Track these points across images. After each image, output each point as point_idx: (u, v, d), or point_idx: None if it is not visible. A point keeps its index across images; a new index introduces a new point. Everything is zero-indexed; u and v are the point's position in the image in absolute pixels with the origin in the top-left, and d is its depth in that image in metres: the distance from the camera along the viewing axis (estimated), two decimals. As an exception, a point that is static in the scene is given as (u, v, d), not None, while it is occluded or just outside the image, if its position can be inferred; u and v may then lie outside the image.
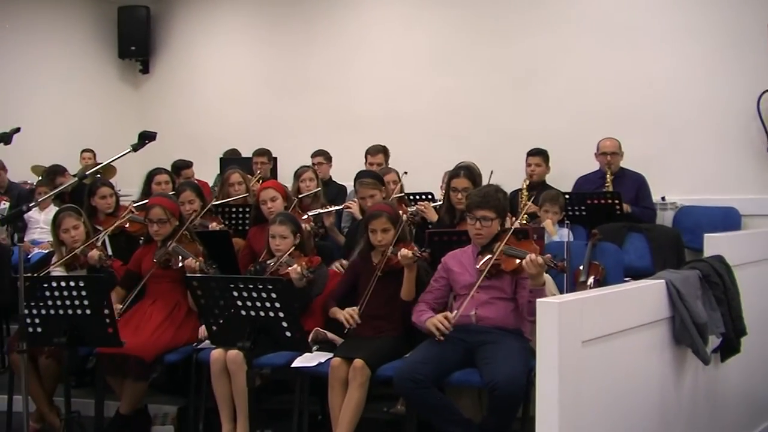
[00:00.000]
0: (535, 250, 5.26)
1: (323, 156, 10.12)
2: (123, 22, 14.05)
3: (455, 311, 5.38)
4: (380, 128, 10.66)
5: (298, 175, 8.22)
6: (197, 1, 13.64)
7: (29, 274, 6.54)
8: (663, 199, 8.76)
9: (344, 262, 6.84)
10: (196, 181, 9.01)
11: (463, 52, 10.48)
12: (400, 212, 6.38)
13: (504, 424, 5.05)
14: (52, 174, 10.36)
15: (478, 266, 5.46)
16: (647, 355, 4.66)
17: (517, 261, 5.28)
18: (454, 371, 5.31)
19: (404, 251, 5.63)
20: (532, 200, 8.04)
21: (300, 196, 7.86)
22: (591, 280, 6.58)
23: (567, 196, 7.84)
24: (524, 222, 7.09)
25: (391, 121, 10.86)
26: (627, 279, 6.52)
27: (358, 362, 5.44)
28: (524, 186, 8.60)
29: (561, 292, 6.03)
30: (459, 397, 5.65)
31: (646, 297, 4.68)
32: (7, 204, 9.19)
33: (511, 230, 5.49)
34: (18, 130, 4.80)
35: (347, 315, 5.88)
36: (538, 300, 4.14)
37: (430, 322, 5.39)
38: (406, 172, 8.14)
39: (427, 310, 5.61)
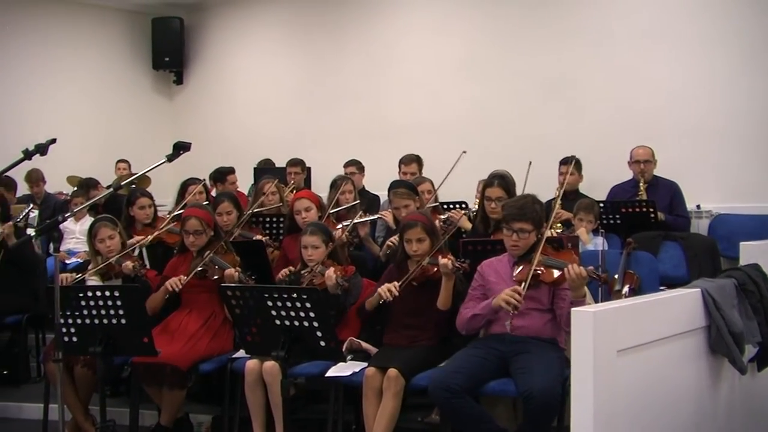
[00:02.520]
0: (575, 260, 5.22)
1: (356, 166, 10.13)
2: (157, 33, 14.16)
3: (523, 284, 5.22)
4: (412, 137, 10.66)
5: (337, 186, 8.18)
6: (230, 13, 13.71)
7: (67, 277, 6.66)
8: (698, 207, 8.71)
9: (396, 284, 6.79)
10: (235, 191, 9.05)
11: (495, 61, 10.47)
12: (436, 221, 6.37)
13: None
14: (85, 186, 10.43)
15: (514, 276, 5.43)
16: (683, 364, 4.63)
17: (557, 272, 5.25)
18: (489, 381, 5.29)
19: (444, 261, 5.59)
20: (563, 208, 8.01)
21: (337, 209, 7.82)
22: (626, 289, 6.54)
23: (601, 205, 7.80)
24: (558, 230, 7.06)
25: (423, 130, 10.86)
26: (662, 288, 6.46)
27: (392, 372, 5.43)
28: (557, 194, 8.55)
29: (596, 301, 6.00)
30: (493, 406, 5.63)
31: (681, 306, 4.66)
32: (36, 212, 9.24)
33: (544, 240, 5.43)
34: (54, 141, 4.83)
35: (386, 287, 5.78)
36: (572, 309, 4.12)
37: (499, 299, 5.25)
38: (465, 151, 8.06)
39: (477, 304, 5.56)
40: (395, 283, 5.79)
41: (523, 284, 5.23)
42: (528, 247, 5.48)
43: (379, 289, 5.84)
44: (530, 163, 6.71)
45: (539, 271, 5.31)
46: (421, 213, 6.38)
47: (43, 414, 6.75)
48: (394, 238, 6.71)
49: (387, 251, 6.81)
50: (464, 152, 7.88)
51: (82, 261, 7.88)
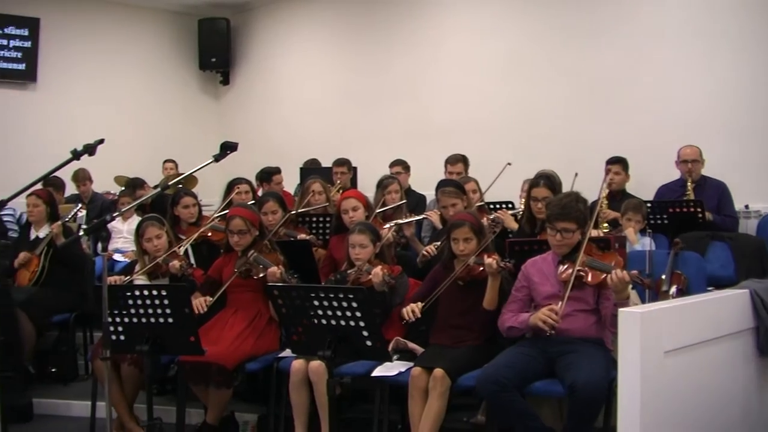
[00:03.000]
0: (619, 262, 5.20)
1: (402, 165, 10.13)
2: (203, 34, 14.25)
3: (560, 303, 5.27)
4: (458, 137, 10.64)
5: (384, 186, 8.17)
6: (276, 13, 13.76)
7: (115, 280, 6.71)
8: (746, 207, 8.62)
9: (437, 244, 6.79)
10: (281, 191, 9.08)
11: (540, 60, 10.41)
12: (483, 221, 6.36)
13: (584, 430, 5.02)
14: (132, 186, 10.52)
15: (559, 276, 5.42)
16: (731, 365, 4.59)
17: (602, 275, 5.23)
18: (535, 380, 5.28)
19: (489, 260, 5.58)
20: (611, 208, 7.98)
21: (383, 208, 7.82)
22: (673, 289, 6.49)
23: (648, 205, 7.75)
24: (605, 230, 7.02)
25: (468, 129, 10.84)
26: (710, 288, 6.42)
27: (438, 372, 5.42)
28: (603, 195, 8.51)
29: (643, 301, 5.96)
30: (539, 407, 5.60)
31: (729, 307, 4.62)
32: (84, 212, 9.32)
33: (588, 239, 5.41)
34: (102, 141, 4.86)
35: (409, 309, 5.82)
36: (619, 309, 4.10)
37: (536, 318, 5.31)
38: (509, 163, 8.05)
39: (518, 313, 5.56)
40: (419, 303, 5.83)
41: (560, 303, 5.26)
42: (573, 245, 5.46)
43: (403, 310, 5.85)
44: (576, 174, 6.67)
45: (583, 273, 5.31)
46: (469, 213, 6.37)
47: (91, 412, 6.81)
48: (431, 247, 6.73)
49: (424, 260, 6.81)
50: (509, 164, 7.88)
51: (129, 261, 7.93)
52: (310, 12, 13.25)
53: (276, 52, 13.77)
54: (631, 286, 5.19)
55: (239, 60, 14.49)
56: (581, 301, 5.40)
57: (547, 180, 6.70)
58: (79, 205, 9.12)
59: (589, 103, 9.97)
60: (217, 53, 14.31)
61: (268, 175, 10.20)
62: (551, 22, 10.34)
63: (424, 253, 6.79)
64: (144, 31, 13.98)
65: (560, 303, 5.26)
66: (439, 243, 6.73)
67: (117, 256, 9.38)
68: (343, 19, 12.75)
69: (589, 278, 5.30)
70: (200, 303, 6.41)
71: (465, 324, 5.88)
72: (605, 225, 7.45)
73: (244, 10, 14.31)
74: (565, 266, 5.40)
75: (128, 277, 6.81)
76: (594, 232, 5.72)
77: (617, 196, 8.35)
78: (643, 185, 8.80)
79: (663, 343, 4.01)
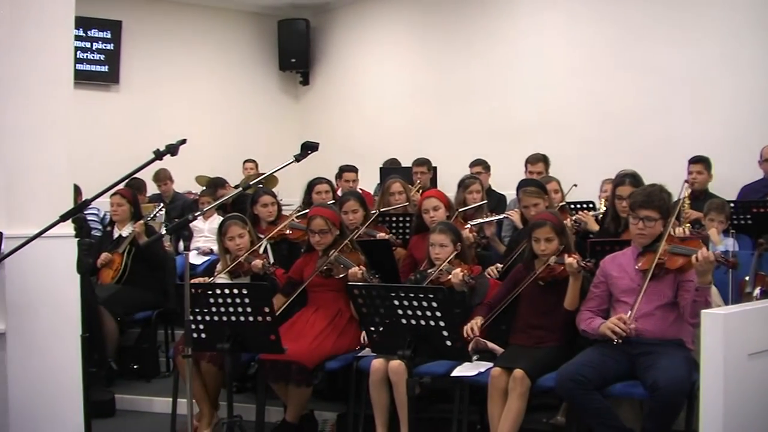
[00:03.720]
0: (702, 248, 5.14)
1: (482, 165, 10.09)
2: (283, 35, 14.35)
3: (629, 312, 5.26)
4: (538, 136, 10.60)
5: (465, 186, 8.16)
6: (356, 13, 13.81)
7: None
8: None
9: (499, 266, 6.79)
10: (360, 190, 9.09)
11: (620, 58, 10.30)
12: (565, 221, 6.33)
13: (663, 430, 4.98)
14: (213, 186, 10.61)
15: (639, 267, 5.38)
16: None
17: (684, 259, 5.18)
18: (616, 381, 5.25)
19: (570, 260, 5.56)
20: (693, 208, 7.88)
21: (464, 208, 7.80)
22: (757, 290, 6.40)
23: (732, 205, 7.63)
24: (687, 231, 6.93)
25: (548, 128, 10.77)
26: (795, 290, 6.33)
27: (518, 372, 5.40)
28: (686, 194, 8.39)
29: (726, 303, 5.88)
30: (619, 408, 5.56)
31: (815, 308, 4.53)
32: (163, 211, 9.41)
33: (668, 230, 5.37)
34: (184, 141, 4.88)
35: (468, 327, 5.85)
36: (702, 311, 4.05)
37: (605, 327, 5.32)
38: (575, 185, 8.04)
39: (594, 317, 5.54)
40: (479, 319, 5.89)
41: (629, 313, 5.26)
42: (654, 236, 5.44)
43: (465, 327, 5.83)
44: (574, 185, 6.59)
45: (663, 259, 5.27)
46: (551, 212, 6.33)
47: (172, 408, 6.88)
48: (493, 269, 6.69)
49: (492, 275, 6.79)
50: (575, 185, 7.81)
51: (209, 260, 7.99)
52: (389, 12, 13.28)
53: (355, 52, 13.82)
54: (716, 266, 5.14)
55: (319, 60, 14.56)
56: (660, 295, 5.36)
57: (632, 179, 6.69)
58: (161, 205, 9.22)
59: (670, 100, 9.84)
60: (296, 54, 14.40)
61: (341, 172, 10.21)
62: (630, 19, 10.23)
63: (487, 275, 6.75)
64: (224, 32, 14.12)
65: (630, 312, 5.26)
66: (502, 266, 6.74)
67: (193, 256, 9.46)
68: (422, 19, 12.75)
69: (670, 263, 5.27)
70: None
71: (545, 324, 5.85)
72: (688, 225, 7.35)
73: (324, 10, 14.38)
74: (645, 257, 5.36)
75: (210, 279, 6.86)
76: (678, 231, 5.65)
77: (700, 197, 8.23)
78: (726, 185, 8.66)
79: (747, 345, 3.95)
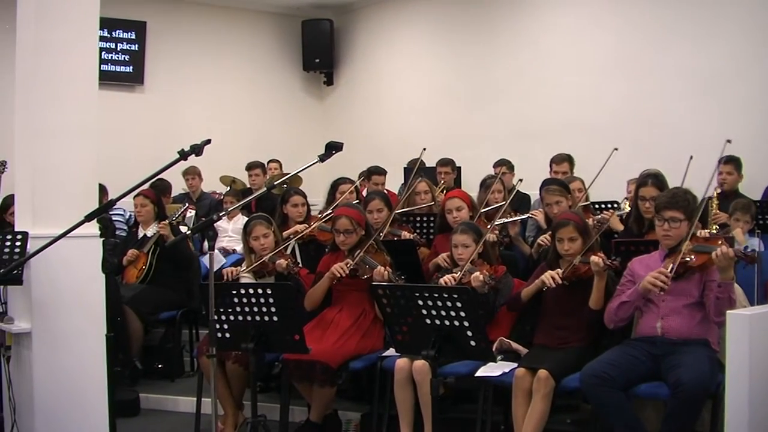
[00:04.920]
0: (723, 244, 5.13)
1: (506, 165, 10.07)
2: (307, 35, 14.35)
3: (671, 266, 5.23)
4: (562, 136, 10.55)
5: (487, 186, 8.15)
6: (379, 14, 13.81)
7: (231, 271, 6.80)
8: None
9: (546, 237, 6.75)
10: (385, 191, 9.09)
11: (645, 58, 10.25)
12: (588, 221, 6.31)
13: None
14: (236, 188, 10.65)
15: (664, 266, 5.36)
16: None
17: (707, 256, 5.17)
18: (640, 382, 5.24)
19: (595, 258, 5.55)
20: (720, 209, 7.84)
21: (487, 208, 7.79)
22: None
23: (757, 205, 7.59)
24: (714, 231, 6.91)
25: (573, 129, 10.73)
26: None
27: (542, 373, 5.39)
28: (715, 195, 8.34)
29: (751, 303, 5.85)
30: (642, 409, 5.56)
31: (843, 309, 4.50)
32: (193, 212, 9.44)
33: (692, 231, 5.35)
34: (209, 141, 4.89)
35: (549, 274, 5.77)
36: (728, 312, 4.03)
37: (645, 280, 5.26)
38: (616, 149, 7.96)
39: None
40: (559, 270, 5.79)
41: (671, 266, 5.23)
42: (680, 238, 5.42)
43: (543, 276, 5.81)
44: (615, 149, 6.56)
45: (688, 258, 5.26)
46: (574, 212, 6.32)
47: (196, 407, 6.91)
48: (546, 237, 6.65)
49: (539, 250, 6.77)
50: (616, 149, 7.77)
51: (227, 260, 8.01)
52: (413, 12, 13.26)
53: (379, 52, 13.83)
54: (736, 261, 5.11)
55: (343, 60, 14.57)
56: (685, 294, 5.35)
57: (655, 179, 6.66)
58: (187, 205, 9.25)
59: (696, 99, 9.77)
60: (320, 54, 14.40)
61: (370, 174, 10.20)
62: (655, 18, 10.17)
63: (541, 242, 6.73)
64: (248, 33, 14.14)
65: (671, 266, 5.23)
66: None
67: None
68: (446, 19, 12.73)
69: (694, 260, 5.25)
70: (341, 267, 6.46)
71: (570, 325, 5.84)
72: (715, 227, 7.32)
73: (347, 11, 14.38)
74: (672, 257, 5.35)
75: (240, 267, 6.87)
76: (703, 233, 5.63)
77: (730, 197, 8.17)
78: (751, 184, 8.63)
79: (772, 346, 3.93)
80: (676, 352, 5.20)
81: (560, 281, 5.72)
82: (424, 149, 8.53)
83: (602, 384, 5.09)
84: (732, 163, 8.48)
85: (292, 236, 7.63)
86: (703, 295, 5.33)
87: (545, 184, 7.32)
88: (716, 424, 5.00)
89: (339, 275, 6.43)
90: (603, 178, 7.76)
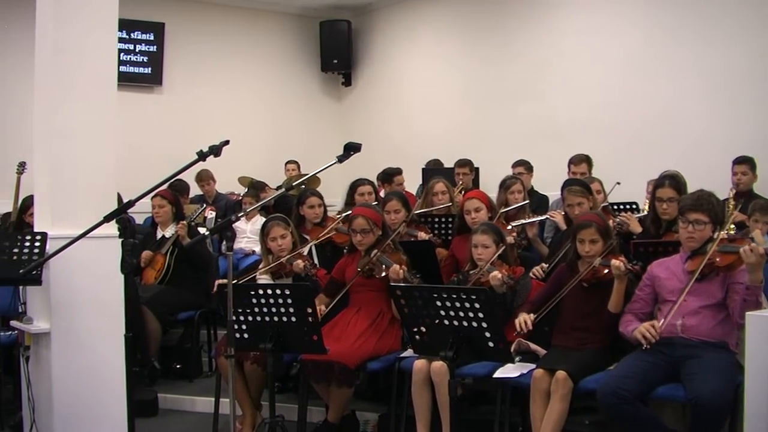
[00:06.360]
0: (750, 243, 5.10)
1: (524, 166, 10.06)
2: (325, 36, 14.36)
3: (662, 320, 5.26)
4: (580, 137, 10.52)
5: (506, 187, 8.14)
6: (397, 15, 13.81)
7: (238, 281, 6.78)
8: None
9: (545, 266, 6.76)
10: (403, 191, 9.09)
11: (663, 58, 10.21)
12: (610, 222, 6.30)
13: None
14: (254, 188, 10.66)
15: (687, 268, 5.36)
16: None
17: (733, 256, 5.16)
18: (658, 386, 5.21)
19: (616, 262, 5.53)
20: (739, 209, 7.79)
21: (506, 209, 7.78)
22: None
23: (776, 205, 7.56)
24: (731, 232, 6.87)
25: (591, 129, 10.70)
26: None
27: (560, 374, 5.37)
28: (730, 195, 8.32)
29: (771, 304, 5.83)
30: (662, 410, 5.54)
31: None
32: (214, 213, 9.46)
33: (719, 237, 5.34)
34: (227, 142, 4.91)
35: (521, 320, 5.80)
36: (747, 313, 4.00)
37: (638, 331, 5.30)
38: (618, 183, 7.97)
39: (634, 320, 5.52)
40: (531, 315, 5.82)
41: (662, 321, 5.26)
42: (703, 240, 5.41)
43: (516, 321, 5.83)
44: (617, 183, 6.51)
45: (713, 259, 5.25)
46: (596, 214, 6.30)
47: (214, 408, 6.92)
48: (539, 269, 6.64)
49: (537, 276, 6.75)
50: (618, 183, 7.75)
51: (249, 260, 8.02)
52: (431, 13, 13.26)
53: (397, 52, 13.82)
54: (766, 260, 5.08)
55: (361, 61, 14.58)
56: (708, 295, 5.33)
57: (672, 180, 6.61)
58: (205, 205, 9.27)
59: (711, 100, 9.73)
60: (338, 55, 14.41)
61: (389, 176, 10.23)
62: (672, 19, 10.13)
63: (532, 275, 6.71)
64: (266, 34, 14.17)
65: (662, 321, 5.27)
66: (547, 266, 6.73)
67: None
68: (464, 20, 12.72)
69: (720, 261, 5.24)
70: (319, 311, 6.46)
71: (588, 326, 5.82)
72: (732, 227, 7.28)
73: (365, 11, 14.39)
74: (694, 259, 5.34)
75: (252, 274, 6.88)
76: (721, 234, 5.61)
77: (744, 197, 8.16)
78: (766, 185, 8.59)
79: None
80: (695, 356, 5.17)
81: (531, 328, 5.77)
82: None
83: (620, 402, 5.05)
84: (746, 163, 8.48)
85: (310, 239, 7.63)
86: (726, 297, 5.30)
87: (567, 184, 7.28)
88: (736, 427, 4.98)
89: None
90: (622, 178, 7.75)
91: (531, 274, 6.64)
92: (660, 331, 5.22)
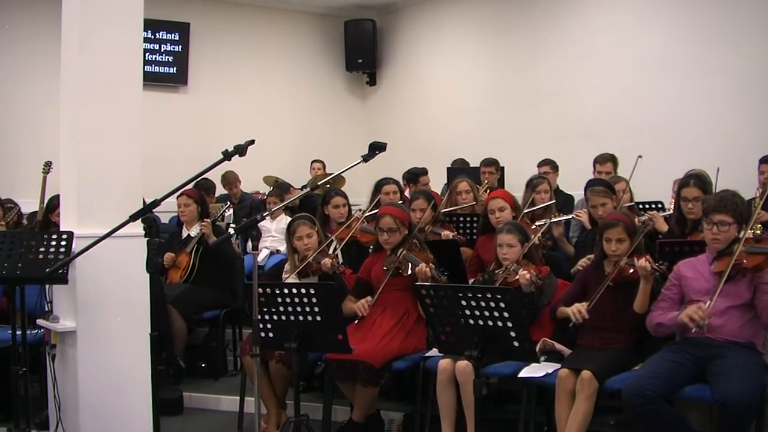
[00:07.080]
0: None
1: (550, 165, 10.03)
2: (350, 35, 14.37)
3: (708, 302, 5.18)
4: (606, 136, 10.49)
5: (533, 186, 8.12)
6: (422, 13, 13.80)
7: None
8: None
9: (591, 257, 6.68)
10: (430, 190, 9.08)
11: (691, 57, 10.16)
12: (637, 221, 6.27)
13: None
14: (279, 188, 10.67)
15: (714, 269, 5.33)
16: None
17: (761, 257, 5.12)
18: (684, 386, 5.17)
19: (642, 262, 5.50)
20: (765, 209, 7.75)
21: (532, 208, 7.75)
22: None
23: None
24: (758, 232, 6.83)
25: (617, 129, 10.65)
26: None
27: (586, 374, 5.35)
28: (757, 195, 8.25)
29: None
30: (689, 410, 5.50)
31: None
32: (231, 211, 9.45)
33: (745, 237, 5.30)
34: (252, 142, 4.91)
35: (575, 309, 5.76)
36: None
37: (684, 315, 5.22)
38: (641, 156, 7.90)
39: (666, 310, 5.47)
40: (584, 304, 5.76)
41: (708, 303, 5.17)
42: (728, 241, 5.37)
43: (570, 310, 5.79)
44: (718, 169, 6.49)
45: (741, 260, 5.20)
46: (624, 213, 6.28)
47: (239, 406, 6.95)
48: (585, 261, 6.59)
49: (575, 272, 6.71)
50: (640, 157, 7.70)
51: (277, 260, 8.02)
52: (456, 12, 13.24)
53: (422, 52, 13.81)
54: None
55: (385, 61, 14.58)
56: (735, 295, 5.28)
57: (698, 179, 6.57)
58: (228, 203, 9.27)
59: (740, 100, 9.68)
60: (363, 54, 14.43)
61: (415, 176, 10.23)
62: (700, 19, 10.08)
63: (580, 267, 6.66)
64: (291, 33, 14.19)
65: (708, 302, 5.18)
66: (593, 256, 6.66)
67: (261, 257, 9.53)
68: (489, 19, 12.70)
69: (747, 262, 5.19)
70: (362, 305, 6.47)
71: (614, 326, 5.80)
72: (758, 227, 7.24)
73: (390, 11, 14.39)
74: (721, 260, 5.29)
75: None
76: (748, 234, 5.57)
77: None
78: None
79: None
80: (722, 356, 5.14)
81: (587, 316, 5.71)
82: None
83: (645, 402, 5.02)
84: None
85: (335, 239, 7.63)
86: (754, 298, 5.26)
87: (590, 185, 7.25)
88: (762, 428, 4.96)
89: (361, 314, 6.47)
90: (648, 178, 7.70)
91: (579, 266, 6.63)
92: (707, 314, 5.16)
